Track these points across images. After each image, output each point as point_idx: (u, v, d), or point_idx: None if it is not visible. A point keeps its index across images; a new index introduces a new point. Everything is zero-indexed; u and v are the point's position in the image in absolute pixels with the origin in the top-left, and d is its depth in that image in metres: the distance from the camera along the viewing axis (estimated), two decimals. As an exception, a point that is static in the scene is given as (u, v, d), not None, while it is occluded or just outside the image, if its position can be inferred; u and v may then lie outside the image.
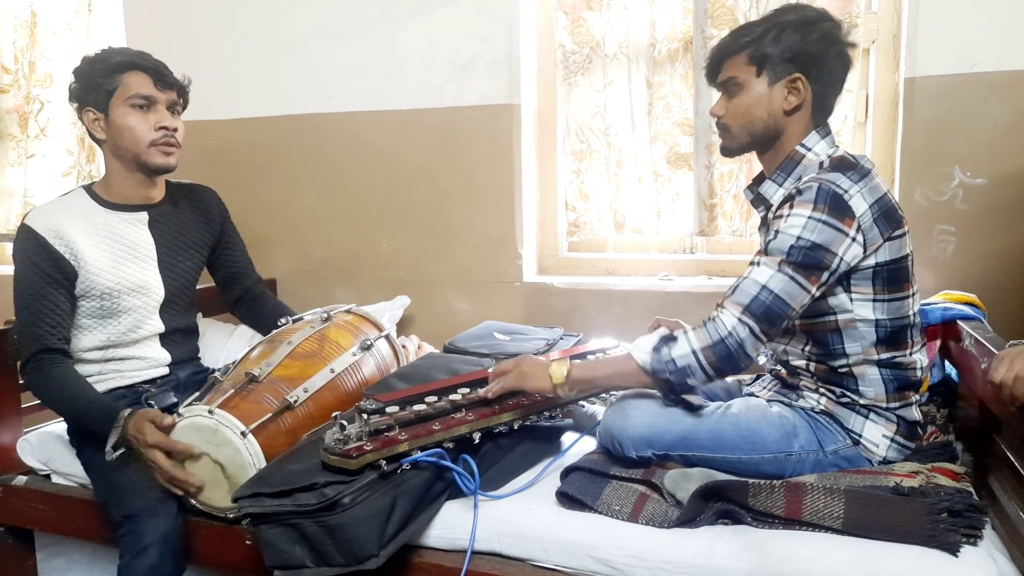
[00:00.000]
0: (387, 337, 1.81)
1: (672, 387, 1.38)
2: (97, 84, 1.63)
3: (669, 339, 1.36)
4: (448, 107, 2.33)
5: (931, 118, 1.90)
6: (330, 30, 2.43)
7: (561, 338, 2.11)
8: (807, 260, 1.30)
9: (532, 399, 1.51)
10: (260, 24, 2.51)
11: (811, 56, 1.39)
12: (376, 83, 2.40)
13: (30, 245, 1.59)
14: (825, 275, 1.32)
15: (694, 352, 1.32)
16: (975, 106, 1.86)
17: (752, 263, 1.36)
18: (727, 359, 1.31)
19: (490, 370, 1.53)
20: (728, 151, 1.51)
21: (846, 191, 1.31)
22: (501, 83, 2.26)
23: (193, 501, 1.48)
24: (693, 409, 1.42)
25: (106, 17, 2.80)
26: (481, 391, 1.48)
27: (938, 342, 1.67)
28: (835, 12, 2.00)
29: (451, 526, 1.37)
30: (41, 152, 2.90)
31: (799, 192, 1.34)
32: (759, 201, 1.51)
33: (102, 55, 1.67)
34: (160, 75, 1.67)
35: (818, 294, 1.33)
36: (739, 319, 1.30)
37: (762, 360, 1.63)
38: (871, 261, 1.34)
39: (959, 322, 1.59)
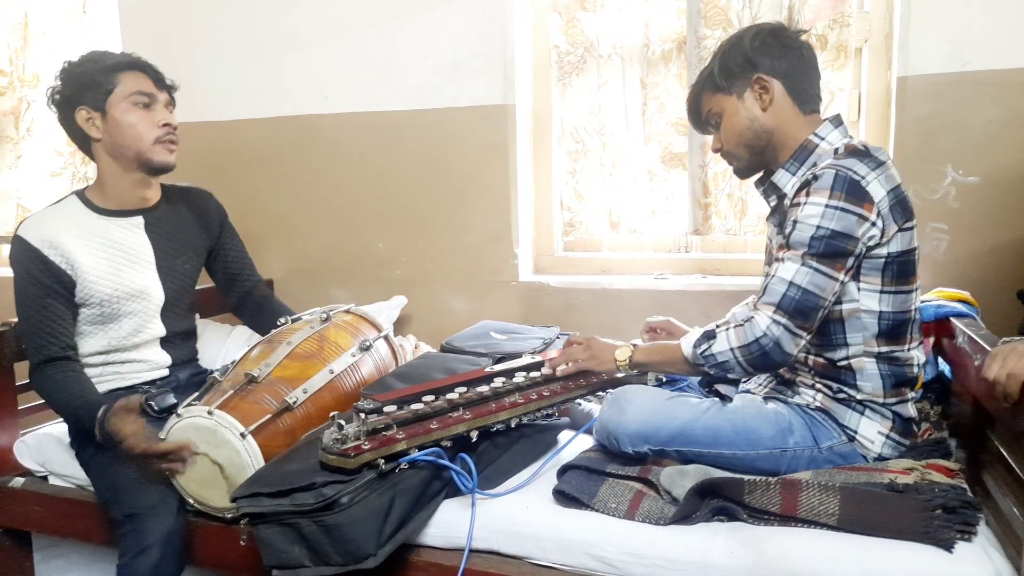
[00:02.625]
0: (386, 337, 1.81)
1: (714, 379, 1.41)
2: (95, 83, 1.61)
3: (710, 335, 1.40)
4: (443, 108, 2.33)
5: (923, 117, 1.91)
6: (325, 31, 2.43)
7: (557, 337, 2.11)
8: (829, 249, 1.31)
9: (528, 396, 1.52)
10: (256, 25, 2.51)
11: (757, 53, 1.44)
12: (372, 84, 2.40)
13: (25, 257, 1.59)
14: (850, 260, 1.33)
15: (732, 350, 1.36)
16: (967, 105, 1.87)
17: (777, 259, 1.38)
18: (762, 357, 1.33)
19: (553, 353, 1.66)
20: (741, 173, 1.56)
21: (863, 177, 1.32)
22: (496, 84, 2.27)
23: (191, 501, 1.48)
24: (686, 404, 1.44)
25: (100, 19, 2.80)
26: (550, 367, 1.60)
27: (932, 339, 1.68)
28: (827, 12, 2.03)
29: (449, 525, 1.38)
30: (28, 153, 2.89)
31: (815, 178, 1.34)
32: (771, 191, 1.51)
33: (94, 56, 1.66)
34: (158, 75, 1.69)
35: (847, 280, 1.35)
36: (772, 319, 1.32)
37: None
38: (883, 251, 1.35)
39: (952, 319, 1.60)
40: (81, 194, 1.71)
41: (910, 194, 1.90)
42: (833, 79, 2.06)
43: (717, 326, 1.43)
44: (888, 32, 2.01)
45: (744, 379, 1.46)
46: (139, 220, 1.72)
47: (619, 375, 1.61)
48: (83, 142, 1.68)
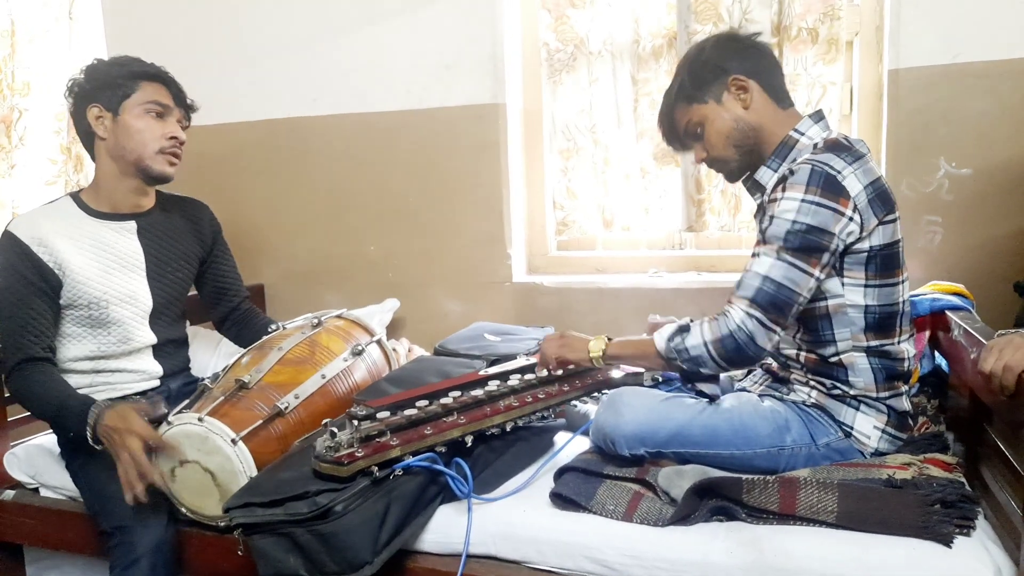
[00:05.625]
0: (378, 342, 1.80)
1: (687, 374, 1.40)
2: (115, 83, 1.62)
3: (684, 329, 1.38)
4: (433, 108, 2.32)
5: (916, 109, 1.91)
6: (313, 33, 2.41)
7: (552, 338, 2.10)
8: (805, 244, 1.30)
9: (523, 399, 1.51)
10: (242, 28, 2.50)
11: (723, 58, 1.45)
12: (361, 85, 2.39)
13: (13, 253, 1.58)
14: (826, 256, 1.32)
15: (704, 344, 1.34)
16: (959, 97, 1.87)
17: (753, 254, 1.37)
18: (736, 352, 1.32)
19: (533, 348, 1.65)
20: (732, 176, 1.53)
21: (839, 172, 1.31)
22: (486, 83, 2.25)
23: (184, 510, 1.46)
24: (683, 405, 1.43)
25: (87, 25, 2.77)
26: (539, 367, 1.60)
27: (927, 333, 1.67)
28: (817, 5, 2.02)
29: (445, 530, 1.37)
30: (21, 162, 2.87)
31: (791, 173, 1.34)
32: (755, 188, 1.51)
33: (123, 60, 1.68)
34: (179, 91, 1.70)
35: (823, 276, 1.34)
36: (746, 312, 1.31)
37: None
38: (865, 245, 1.34)
39: (948, 312, 1.59)
40: (75, 195, 1.70)
41: (903, 187, 1.92)
42: (825, 73, 2.06)
43: (691, 320, 1.41)
44: (879, 25, 2.00)
45: (716, 373, 1.44)
46: (131, 225, 1.71)
47: (611, 373, 1.59)
48: (87, 139, 1.68)
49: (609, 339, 1.51)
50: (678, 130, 1.53)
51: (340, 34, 2.38)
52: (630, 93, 2.22)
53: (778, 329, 1.32)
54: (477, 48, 2.25)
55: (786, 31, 2.04)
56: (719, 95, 1.45)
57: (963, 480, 1.30)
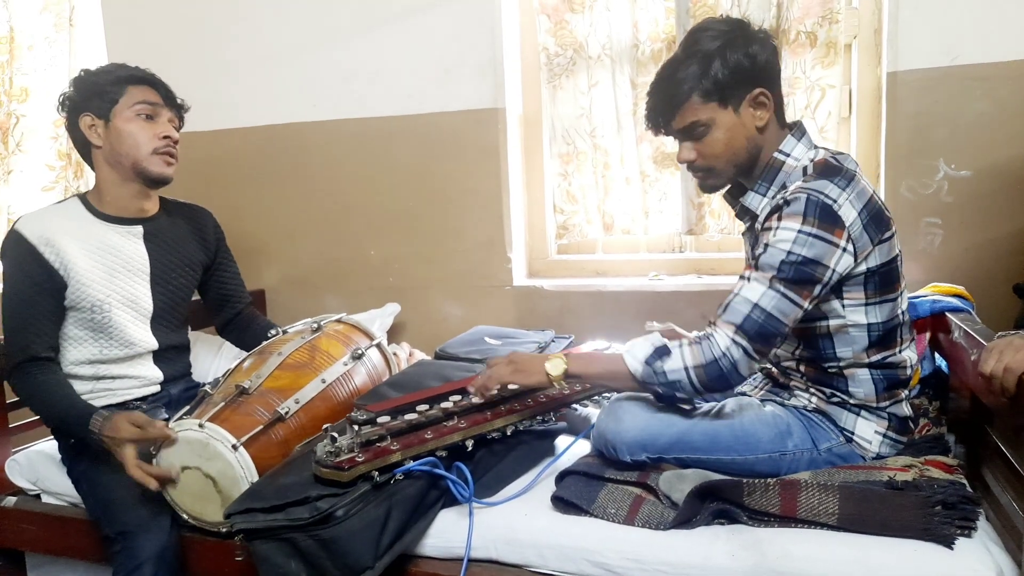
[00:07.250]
0: (378, 346, 1.80)
1: (661, 397, 1.39)
2: (102, 91, 1.63)
3: (663, 351, 1.34)
4: (433, 113, 2.32)
5: (914, 112, 1.91)
6: (313, 39, 2.42)
7: (552, 340, 2.10)
8: (799, 275, 1.28)
9: (525, 403, 1.51)
10: (243, 34, 2.50)
11: (762, 66, 1.36)
12: (361, 90, 2.39)
13: (19, 252, 1.58)
14: (818, 288, 1.29)
15: (686, 369, 1.31)
16: (958, 99, 1.87)
17: (742, 277, 1.34)
18: (718, 378, 1.29)
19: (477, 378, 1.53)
20: (714, 188, 1.46)
21: (835, 200, 1.28)
22: (485, 87, 2.26)
23: (185, 516, 1.46)
24: (683, 411, 1.42)
25: (87, 32, 2.78)
26: (472, 392, 1.49)
27: (928, 335, 1.67)
28: (815, 9, 2.03)
29: (447, 534, 1.36)
30: (19, 168, 2.87)
31: (787, 203, 1.30)
32: (743, 212, 1.48)
33: (108, 67, 1.69)
34: (168, 92, 1.70)
35: (811, 307, 1.32)
36: (733, 339, 1.28)
37: None
38: (863, 267, 1.32)
39: (948, 314, 1.60)
40: (83, 197, 1.70)
41: (902, 190, 1.92)
42: (823, 76, 2.06)
43: (667, 341, 1.36)
44: (877, 27, 2.01)
45: (691, 397, 1.40)
46: (138, 229, 1.71)
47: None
48: (84, 148, 1.69)
49: (567, 355, 1.42)
50: (669, 124, 1.40)
51: (340, 39, 2.39)
52: (629, 97, 2.22)
53: (759, 359, 1.31)
54: (476, 53, 2.25)
55: (784, 34, 2.04)
56: (739, 104, 1.35)
57: (964, 481, 1.30)
